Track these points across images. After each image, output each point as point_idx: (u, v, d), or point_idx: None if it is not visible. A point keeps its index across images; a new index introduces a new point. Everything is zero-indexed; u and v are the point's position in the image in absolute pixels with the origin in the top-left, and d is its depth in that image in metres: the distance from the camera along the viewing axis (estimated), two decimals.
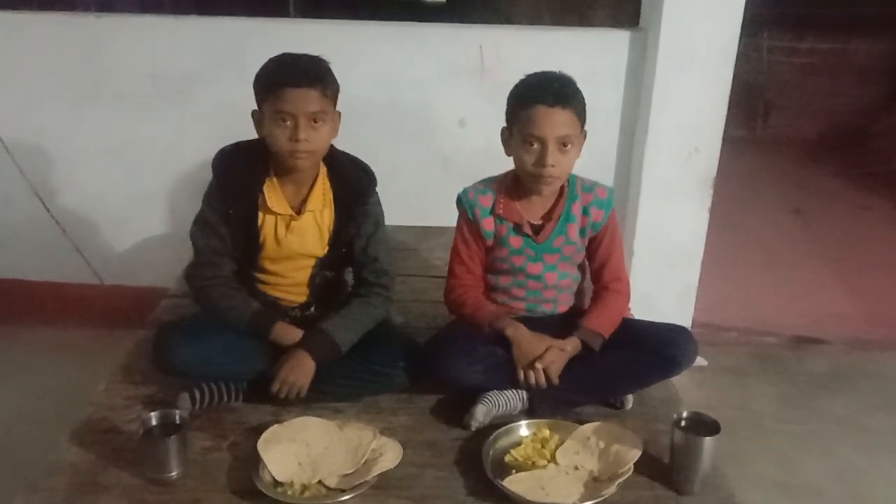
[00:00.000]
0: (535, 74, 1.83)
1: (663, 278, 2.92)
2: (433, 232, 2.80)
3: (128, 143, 2.90)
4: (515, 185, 1.90)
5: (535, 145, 1.77)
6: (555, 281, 1.95)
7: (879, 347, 3.20)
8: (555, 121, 1.75)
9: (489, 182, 1.94)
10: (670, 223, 2.86)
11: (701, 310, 3.02)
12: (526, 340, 1.84)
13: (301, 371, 1.80)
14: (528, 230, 1.89)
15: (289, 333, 1.86)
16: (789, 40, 6.15)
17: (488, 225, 1.91)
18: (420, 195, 2.85)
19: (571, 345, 1.84)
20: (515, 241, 1.91)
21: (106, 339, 2.64)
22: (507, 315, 1.91)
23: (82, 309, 3.04)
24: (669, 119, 2.73)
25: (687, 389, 2.13)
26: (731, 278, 3.52)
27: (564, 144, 1.78)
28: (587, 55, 2.75)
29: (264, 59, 1.81)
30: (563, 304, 2.00)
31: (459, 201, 1.94)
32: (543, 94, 1.76)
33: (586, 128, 1.84)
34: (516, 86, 1.85)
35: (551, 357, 1.81)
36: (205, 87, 2.81)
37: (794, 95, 6.19)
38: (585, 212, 1.91)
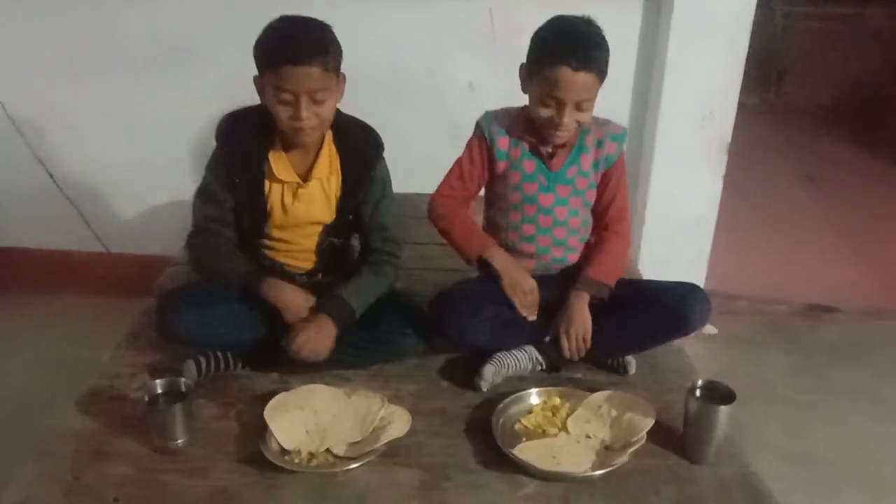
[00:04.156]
0: (566, 25, 1.79)
1: (676, 245, 2.88)
2: None
3: (133, 112, 2.86)
4: (530, 116, 1.86)
5: (553, 103, 1.75)
6: (565, 217, 1.92)
7: (892, 316, 3.15)
8: (577, 85, 1.72)
9: (506, 109, 1.92)
10: (684, 190, 2.81)
11: (711, 278, 2.98)
12: (514, 272, 1.85)
13: (324, 334, 1.77)
14: (543, 151, 1.87)
15: (281, 290, 1.81)
16: (804, 5, 6.02)
17: (503, 144, 1.89)
18: (428, 162, 2.78)
19: (580, 300, 1.84)
20: (529, 165, 1.88)
21: (111, 308, 2.63)
22: (496, 245, 1.90)
23: (87, 277, 3.02)
24: (684, 84, 2.66)
25: (698, 358, 2.10)
26: (742, 246, 3.47)
27: (582, 105, 1.76)
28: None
29: None
30: (574, 252, 1.97)
31: (479, 124, 1.93)
32: (570, 55, 1.70)
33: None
34: (544, 33, 1.80)
35: (580, 325, 1.81)
36: (211, 54, 2.75)
37: (808, 62, 6.06)
38: (599, 144, 1.90)
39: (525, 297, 1.85)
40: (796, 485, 2.14)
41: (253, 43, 1.76)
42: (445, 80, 2.80)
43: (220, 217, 1.86)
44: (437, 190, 1.99)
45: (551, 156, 1.88)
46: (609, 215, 1.95)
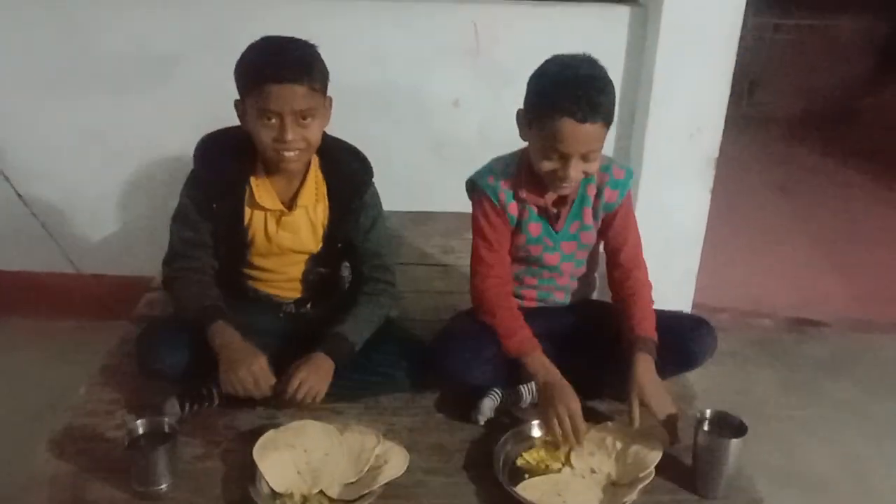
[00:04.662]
0: (566, 69, 1.61)
1: (663, 261, 2.78)
2: (427, 217, 2.70)
3: (105, 127, 2.75)
4: (531, 167, 1.73)
5: (557, 156, 1.61)
6: (571, 270, 1.86)
7: (877, 329, 3.16)
8: (583, 137, 1.57)
9: (503, 164, 1.78)
10: (671, 205, 2.77)
11: (696, 291, 2.96)
12: (557, 390, 1.64)
13: (321, 374, 1.67)
14: (550, 213, 1.77)
15: (226, 341, 1.65)
16: (774, 16, 6.07)
17: (513, 210, 1.76)
18: (412, 179, 2.74)
19: (650, 367, 1.68)
20: (535, 228, 1.79)
21: (85, 331, 2.55)
22: (539, 350, 1.72)
23: (59, 300, 2.91)
24: (671, 98, 2.62)
25: (687, 376, 2.07)
26: (722, 259, 3.45)
27: (589, 156, 1.62)
28: (585, 32, 2.64)
29: (250, 40, 1.67)
30: (573, 293, 1.92)
31: (477, 186, 1.77)
32: (573, 105, 1.54)
33: None
34: (542, 79, 1.64)
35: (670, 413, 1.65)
36: (187, 68, 2.66)
37: (778, 72, 6.12)
38: (599, 193, 1.78)
39: (565, 421, 1.60)
40: None
41: (230, 56, 1.68)
42: (429, 95, 2.74)
43: (198, 241, 1.78)
44: (476, 275, 1.79)
45: (557, 216, 1.78)
46: (622, 261, 1.81)
